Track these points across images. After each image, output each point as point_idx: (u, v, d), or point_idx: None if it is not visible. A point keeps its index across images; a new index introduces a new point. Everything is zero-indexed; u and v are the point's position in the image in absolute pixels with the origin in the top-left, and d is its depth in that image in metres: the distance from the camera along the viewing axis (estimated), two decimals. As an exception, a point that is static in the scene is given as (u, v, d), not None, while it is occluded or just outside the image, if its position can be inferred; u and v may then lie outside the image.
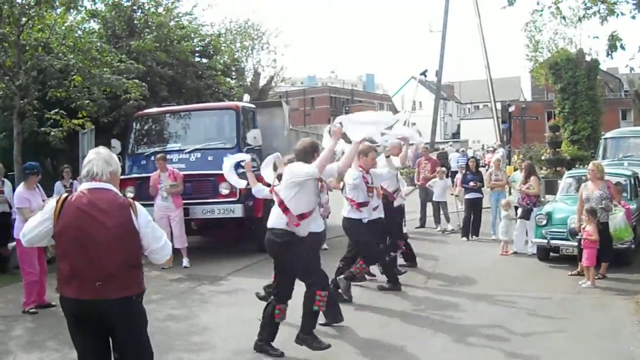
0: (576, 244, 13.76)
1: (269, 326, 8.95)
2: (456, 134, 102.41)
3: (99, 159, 5.72)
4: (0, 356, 9.49)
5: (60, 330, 10.63)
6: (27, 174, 12.58)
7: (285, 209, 8.67)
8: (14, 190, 15.61)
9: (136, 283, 5.71)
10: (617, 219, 13.81)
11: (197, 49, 27.91)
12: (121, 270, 5.56)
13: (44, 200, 12.01)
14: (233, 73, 31.58)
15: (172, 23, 26.17)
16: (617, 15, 16.19)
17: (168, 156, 16.48)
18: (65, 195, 5.75)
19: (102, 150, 5.94)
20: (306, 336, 9.00)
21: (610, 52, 16.06)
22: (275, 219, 8.83)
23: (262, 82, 47.36)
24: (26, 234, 5.75)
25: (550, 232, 14.84)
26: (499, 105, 50.96)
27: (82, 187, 5.69)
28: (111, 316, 5.58)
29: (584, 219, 13.27)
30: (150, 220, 5.80)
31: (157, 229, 5.85)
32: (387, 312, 11.19)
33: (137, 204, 5.79)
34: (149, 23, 24.69)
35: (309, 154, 8.98)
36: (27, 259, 11.91)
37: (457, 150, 46.49)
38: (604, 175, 13.92)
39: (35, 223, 5.68)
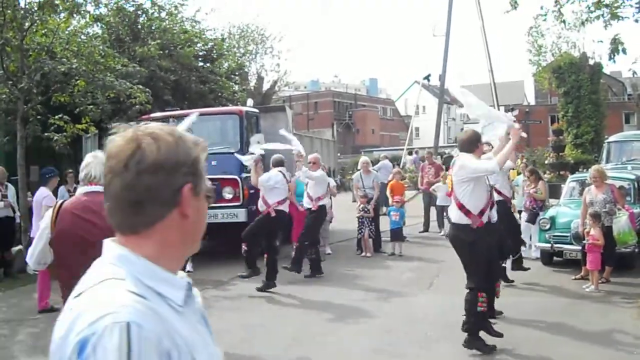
0: (580, 248, 13.78)
1: (475, 317, 8.97)
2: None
3: (97, 163, 5.55)
4: (3, 361, 9.54)
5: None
6: (47, 177, 13.42)
7: (467, 212, 8.70)
8: (17, 195, 15.69)
9: None
10: (621, 222, 13.81)
11: (200, 53, 27.96)
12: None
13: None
14: (236, 78, 31.62)
15: (175, 28, 26.22)
16: (620, 19, 16.22)
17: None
18: (61, 201, 5.68)
19: (99, 153, 5.73)
20: (471, 337, 9.02)
21: (612, 56, 16.11)
22: (459, 216, 8.88)
23: (266, 86, 47.41)
24: (31, 255, 5.61)
25: (553, 236, 14.81)
26: (502, 109, 50.93)
27: (79, 191, 5.60)
28: None
29: (588, 223, 13.26)
30: None
31: None
32: (391, 317, 11.23)
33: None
34: (153, 28, 24.74)
35: (473, 143, 8.98)
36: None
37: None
38: (606, 178, 13.88)
39: (36, 239, 5.58)
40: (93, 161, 5.56)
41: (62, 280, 5.57)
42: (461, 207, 8.83)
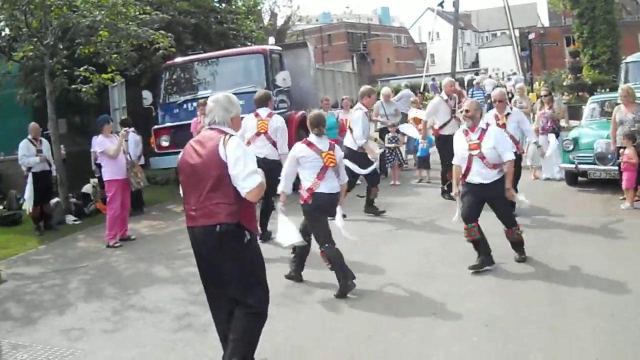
0: (603, 168, 14.08)
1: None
2: (475, 63, 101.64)
3: (219, 108, 6.25)
4: (62, 308, 9.90)
5: (116, 279, 11.20)
6: (102, 125, 14.14)
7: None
8: (51, 148, 16.10)
9: (223, 214, 5.96)
10: (653, 141, 13.96)
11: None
12: (207, 198, 6.01)
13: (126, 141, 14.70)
14: (253, 16, 31.63)
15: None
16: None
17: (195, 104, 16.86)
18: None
19: (220, 96, 6.38)
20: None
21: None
22: None
23: (280, 22, 47.33)
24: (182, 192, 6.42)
25: (577, 157, 14.99)
26: (517, 33, 50.72)
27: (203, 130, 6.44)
28: (201, 244, 6.20)
29: (621, 142, 13.48)
30: (241, 153, 5.95)
31: (244, 161, 5.93)
32: (428, 241, 11.66)
33: (234, 138, 6.07)
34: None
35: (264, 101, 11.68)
36: (112, 196, 13.74)
37: (491, 76, 46.08)
38: (635, 97, 13.92)
39: None
40: (215, 106, 6.26)
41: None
42: None
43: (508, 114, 12.78)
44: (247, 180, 5.88)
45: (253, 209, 6.29)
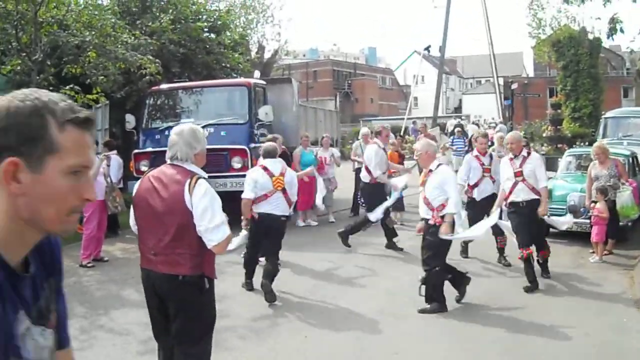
0: (575, 220, 14.29)
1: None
2: (458, 109, 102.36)
3: (182, 143, 5.80)
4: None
5: (86, 299, 11.25)
6: None
7: None
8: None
9: (187, 266, 5.66)
10: (625, 197, 14.22)
11: (205, 24, 28.13)
12: (169, 246, 5.67)
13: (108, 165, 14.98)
14: (240, 49, 31.81)
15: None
16: (619, -2, 16.60)
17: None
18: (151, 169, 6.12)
19: (185, 128, 5.97)
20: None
21: (611, 35, 16.50)
22: None
23: (267, 55, 47.52)
24: (132, 223, 6.22)
25: (550, 208, 15.16)
26: (501, 81, 51.21)
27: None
28: (158, 288, 5.85)
29: (594, 197, 13.67)
30: (208, 202, 5.58)
31: (212, 211, 5.58)
32: (396, 281, 11.81)
33: (201, 181, 5.65)
34: (162, 1, 25.02)
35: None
36: (89, 216, 13.83)
37: (474, 123, 46.25)
38: (609, 154, 14.19)
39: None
40: (178, 141, 5.82)
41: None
42: None
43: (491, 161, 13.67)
44: (215, 232, 5.56)
45: (214, 255, 5.84)
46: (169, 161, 5.89)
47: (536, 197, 11.44)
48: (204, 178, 5.77)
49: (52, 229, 2.10)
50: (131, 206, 6.18)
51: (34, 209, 2.00)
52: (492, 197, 12.52)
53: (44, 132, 1.98)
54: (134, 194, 6.06)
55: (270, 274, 10.59)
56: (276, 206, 10.69)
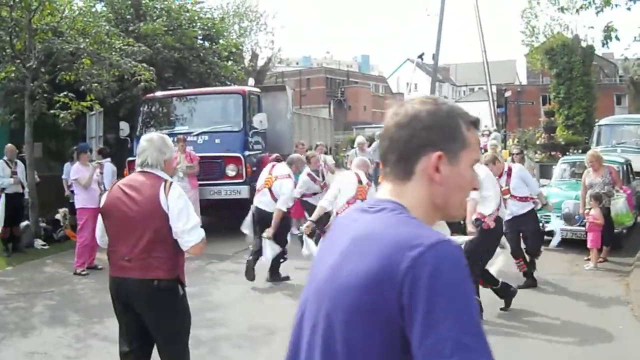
0: (570, 228, 14.30)
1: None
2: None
3: (152, 150, 5.84)
4: (25, 331, 9.92)
5: (80, 306, 11.20)
6: (80, 152, 14.63)
7: None
8: (25, 171, 16.15)
9: (163, 269, 5.68)
10: (619, 204, 14.21)
11: (200, 32, 28.10)
12: (144, 250, 5.63)
13: (101, 173, 15.13)
14: (234, 57, 31.78)
15: (177, 1, 26.44)
16: (613, 6, 16.59)
17: (175, 139, 16.95)
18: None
19: (155, 136, 6.09)
20: None
21: (605, 43, 16.49)
22: None
23: (260, 63, 47.50)
24: (99, 235, 6.16)
25: (544, 216, 15.21)
26: (494, 89, 51.19)
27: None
28: (132, 296, 5.73)
29: (588, 204, 13.72)
30: (183, 204, 5.65)
31: (187, 212, 5.66)
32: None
33: (175, 185, 5.79)
34: (155, 8, 25.01)
35: None
36: (83, 224, 13.76)
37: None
38: (603, 162, 14.31)
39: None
40: (149, 147, 5.85)
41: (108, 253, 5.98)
42: None
43: None
44: (191, 233, 5.63)
45: (184, 260, 5.96)
46: (138, 168, 5.94)
47: (529, 208, 11.87)
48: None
49: (455, 214, 2.39)
50: (99, 218, 6.14)
51: (447, 196, 2.28)
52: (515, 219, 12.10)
53: (459, 131, 2.27)
54: (101, 205, 6.05)
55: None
56: None
